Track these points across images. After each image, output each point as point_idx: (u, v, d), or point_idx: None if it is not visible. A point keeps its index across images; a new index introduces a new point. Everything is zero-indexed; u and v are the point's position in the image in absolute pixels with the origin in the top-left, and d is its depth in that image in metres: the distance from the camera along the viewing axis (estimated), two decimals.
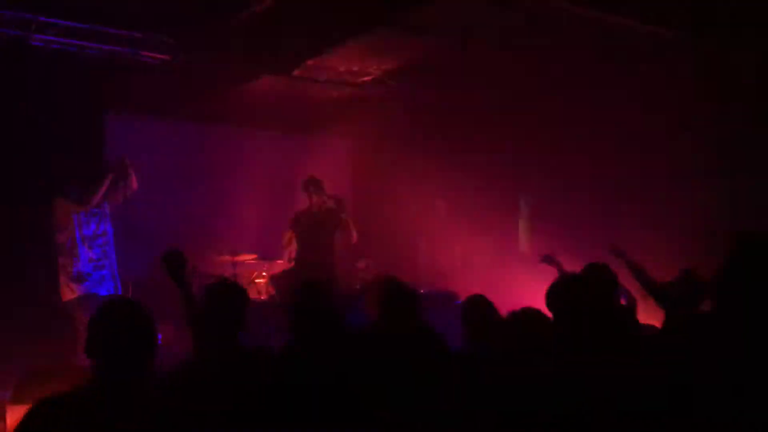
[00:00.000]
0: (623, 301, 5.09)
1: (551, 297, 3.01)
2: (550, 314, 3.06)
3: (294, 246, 7.19)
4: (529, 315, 3.26)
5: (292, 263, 7.33)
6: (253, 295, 7.24)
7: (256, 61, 7.25)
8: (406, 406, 2.74)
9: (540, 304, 3.43)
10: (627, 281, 5.20)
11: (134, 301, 2.71)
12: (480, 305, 3.89)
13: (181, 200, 7.83)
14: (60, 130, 7.08)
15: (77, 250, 5.81)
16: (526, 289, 7.19)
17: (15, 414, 4.39)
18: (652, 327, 4.33)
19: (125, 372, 2.54)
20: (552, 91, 7.66)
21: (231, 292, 3.52)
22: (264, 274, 8.03)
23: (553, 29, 6.46)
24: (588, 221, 7.56)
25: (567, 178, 7.97)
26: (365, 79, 7.96)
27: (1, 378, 5.06)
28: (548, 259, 5.92)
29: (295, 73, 7.59)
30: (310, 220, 7.06)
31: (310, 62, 7.33)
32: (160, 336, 6.27)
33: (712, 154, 6.84)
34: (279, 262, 7.95)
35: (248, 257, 8.02)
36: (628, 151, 7.36)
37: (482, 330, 3.73)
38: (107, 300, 2.75)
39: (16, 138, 6.97)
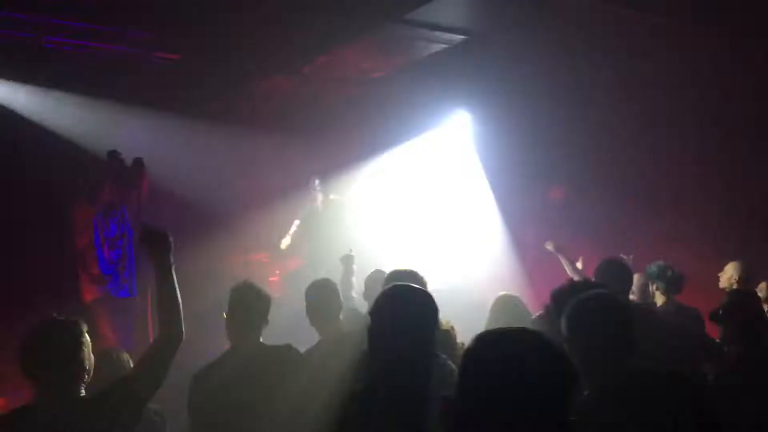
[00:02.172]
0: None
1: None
2: None
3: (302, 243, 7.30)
4: None
5: (304, 261, 7.39)
6: None
7: (266, 60, 7.26)
8: None
9: None
10: None
11: (63, 322, 2.75)
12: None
13: (193, 199, 7.85)
14: (74, 132, 7.13)
15: (97, 252, 5.85)
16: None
17: None
18: None
19: (57, 391, 2.62)
20: (572, 89, 7.60)
21: (255, 293, 3.62)
22: (277, 272, 8.05)
23: (566, 22, 6.43)
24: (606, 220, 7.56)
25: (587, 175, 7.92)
26: (375, 76, 7.94)
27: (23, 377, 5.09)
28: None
29: (305, 70, 7.59)
30: (318, 218, 7.12)
31: (319, 60, 7.33)
32: None
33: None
34: (292, 261, 7.97)
35: (261, 256, 8.04)
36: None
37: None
38: (35, 325, 2.76)
39: (31, 141, 7.03)
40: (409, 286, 2.64)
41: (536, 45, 6.89)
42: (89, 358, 2.75)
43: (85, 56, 6.97)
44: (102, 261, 5.89)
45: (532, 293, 6.86)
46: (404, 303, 2.50)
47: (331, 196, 7.38)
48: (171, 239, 2.79)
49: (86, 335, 2.77)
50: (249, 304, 3.60)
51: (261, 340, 3.62)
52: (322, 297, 4.00)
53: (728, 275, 5.69)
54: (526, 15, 6.31)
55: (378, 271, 4.79)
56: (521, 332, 1.63)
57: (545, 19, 6.35)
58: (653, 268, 5.32)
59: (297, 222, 7.31)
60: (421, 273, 3.88)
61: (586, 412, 2.16)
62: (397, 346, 2.37)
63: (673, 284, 5.16)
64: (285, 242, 7.30)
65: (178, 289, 2.80)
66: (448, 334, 3.54)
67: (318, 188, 7.30)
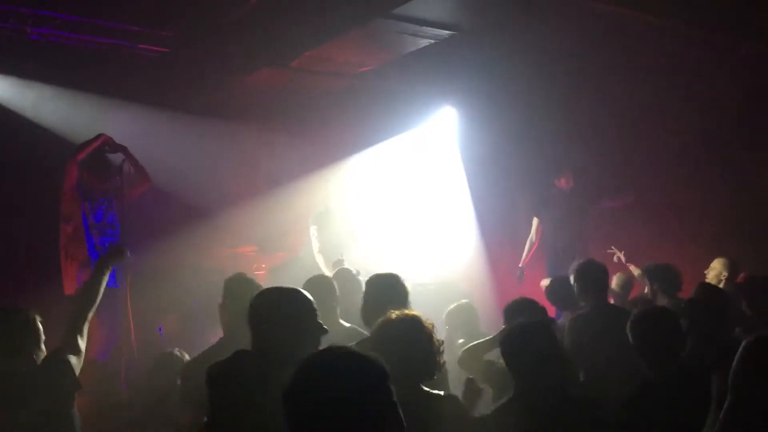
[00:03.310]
0: None
1: None
2: None
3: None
4: None
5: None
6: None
7: (254, 53, 7.25)
8: None
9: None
10: None
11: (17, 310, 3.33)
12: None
13: (180, 192, 7.83)
14: (59, 124, 7.10)
15: (84, 237, 5.81)
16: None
17: None
18: None
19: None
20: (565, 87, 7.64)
21: (247, 284, 3.68)
22: (263, 266, 8.04)
23: (554, 18, 6.46)
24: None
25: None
26: (363, 69, 7.94)
27: None
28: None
29: (293, 64, 7.58)
30: (330, 222, 7.29)
31: (307, 53, 7.32)
32: (161, 328, 6.33)
33: None
34: (279, 254, 7.99)
35: (248, 249, 8.04)
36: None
37: None
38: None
39: (15, 133, 6.99)
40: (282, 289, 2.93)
41: (524, 41, 6.93)
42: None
43: (71, 48, 6.93)
44: (90, 246, 5.85)
45: (516, 289, 6.93)
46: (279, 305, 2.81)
47: (339, 201, 7.49)
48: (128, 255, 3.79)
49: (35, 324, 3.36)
50: (241, 295, 3.64)
51: None
52: (317, 293, 4.00)
53: (716, 271, 5.72)
54: (514, 11, 6.34)
55: (343, 270, 4.81)
56: (327, 360, 1.72)
57: (533, 16, 6.38)
58: (651, 266, 5.34)
59: (314, 227, 7.30)
60: (402, 275, 3.94)
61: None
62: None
63: (673, 282, 5.16)
64: (318, 256, 7.25)
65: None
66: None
67: (332, 191, 7.45)
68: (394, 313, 3.07)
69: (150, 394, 3.85)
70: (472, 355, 3.92)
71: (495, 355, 3.77)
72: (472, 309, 4.96)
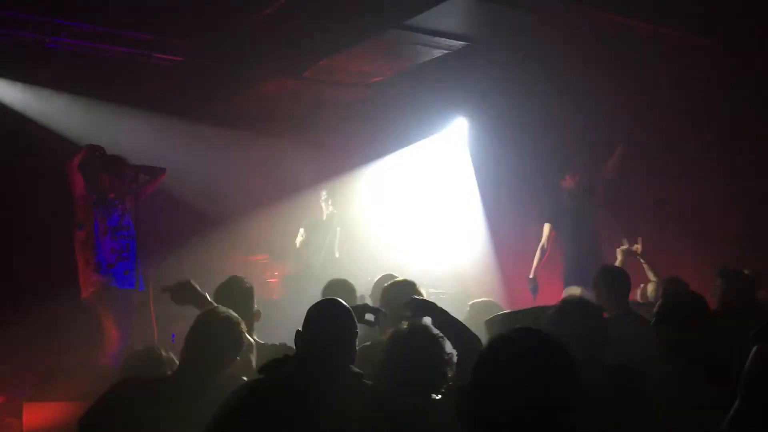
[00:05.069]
0: None
1: None
2: None
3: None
4: None
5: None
6: (266, 294, 7.31)
7: (267, 63, 7.31)
8: None
9: None
10: None
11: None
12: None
13: (193, 200, 7.89)
14: (74, 132, 7.17)
15: (98, 241, 5.84)
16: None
17: (32, 411, 4.45)
18: None
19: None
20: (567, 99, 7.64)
21: (238, 288, 3.67)
22: (276, 274, 8.08)
23: (563, 29, 6.48)
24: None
25: None
26: (377, 80, 7.98)
27: (22, 376, 5.13)
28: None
29: (306, 74, 7.63)
30: (321, 231, 7.35)
31: (321, 63, 7.36)
32: (174, 335, 6.37)
33: None
34: (291, 262, 8.02)
35: (260, 257, 8.08)
36: None
37: None
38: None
39: (32, 140, 7.07)
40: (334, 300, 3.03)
41: (536, 52, 6.95)
42: None
43: (87, 57, 7.01)
44: (100, 251, 5.88)
45: (527, 298, 6.92)
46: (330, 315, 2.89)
47: (335, 210, 7.55)
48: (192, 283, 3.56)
49: None
50: (235, 299, 3.69)
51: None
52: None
53: None
54: (526, 22, 6.36)
55: (388, 276, 4.83)
56: (531, 332, 1.78)
57: (545, 27, 6.40)
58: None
59: (302, 231, 7.44)
60: (417, 282, 3.96)
61: None
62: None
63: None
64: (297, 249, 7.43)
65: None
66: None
67: (324, 200, 7.51)
68: (405, 324, 3.08)
69: None
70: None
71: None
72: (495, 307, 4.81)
